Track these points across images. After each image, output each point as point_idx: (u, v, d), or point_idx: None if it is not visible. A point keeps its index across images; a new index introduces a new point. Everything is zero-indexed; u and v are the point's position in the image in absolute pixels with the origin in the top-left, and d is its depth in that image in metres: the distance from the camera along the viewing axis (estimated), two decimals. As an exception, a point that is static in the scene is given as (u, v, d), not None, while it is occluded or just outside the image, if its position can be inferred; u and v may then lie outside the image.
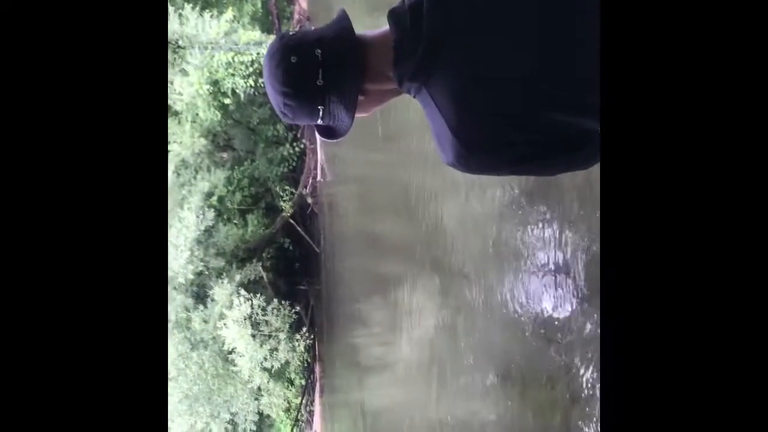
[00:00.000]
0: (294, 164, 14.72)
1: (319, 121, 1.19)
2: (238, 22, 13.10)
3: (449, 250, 6.02)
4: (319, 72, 1.12)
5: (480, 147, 1.13)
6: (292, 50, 1.12)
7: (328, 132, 1.25)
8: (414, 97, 1.18)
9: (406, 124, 7.35)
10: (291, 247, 15.14)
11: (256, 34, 12.84)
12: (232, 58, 12.72)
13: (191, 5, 12.56)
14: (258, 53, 12.39)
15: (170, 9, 12.29)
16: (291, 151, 14.49)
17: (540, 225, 4.30)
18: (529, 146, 1.12)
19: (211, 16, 12.62)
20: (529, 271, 4.41)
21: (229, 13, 12.76)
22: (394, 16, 1.15)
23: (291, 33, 1.17)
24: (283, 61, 1.12)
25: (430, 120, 1.17)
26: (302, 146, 14.62)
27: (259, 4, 15.22)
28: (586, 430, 3.65)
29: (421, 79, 1.13)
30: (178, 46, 12.95)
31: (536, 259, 4.31)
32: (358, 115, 1.21)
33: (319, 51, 1.12)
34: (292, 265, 15.44)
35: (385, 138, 8.60)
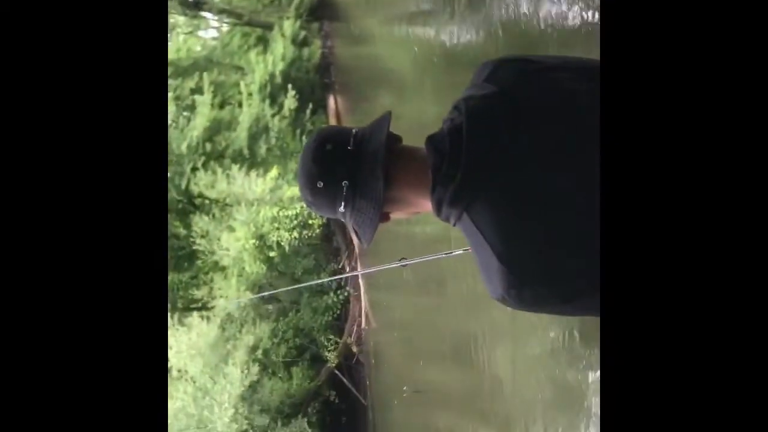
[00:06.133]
0: (338, 312, 14.62)
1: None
2: (283, 178, 13.67)
3: (499, 398, 5.65)
4: (341, 203, 1.13)
5: (533, 277, 1.02)
6: (318, 176, 1.13)
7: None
8: (454, 225, 1.10)
9: (451, 267, 7.28)
10: (337, 400, 14.59)
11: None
12: (277, 212, 13.16)
13: (238, 166, 13.25)
14: (302, 207, 12.81)
15: (218, 171, 12.99)
16: (335, 299, 14.45)
17: (596, 368, 4.02)
18: (585, 276, 0.99)
19: (257, 175, 13.25)
20: (585, 416, 4.06)
21: (274, 171, 13.40)
22: (433, 141, 1.12)
23: (329, 149, 1.14)
24: (310, 183, 1.14)
25: (475, 250, 1.09)
26: (346, 294, 14.59)
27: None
28: None
29: (461, 205, 1.06)
30: (226, 204, 13.53)
31: (593, 404, 3.98)
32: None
33: (346, 183, 1.11)
34: (339, 420, 14.79)
35: (429, 281, 8.51)
